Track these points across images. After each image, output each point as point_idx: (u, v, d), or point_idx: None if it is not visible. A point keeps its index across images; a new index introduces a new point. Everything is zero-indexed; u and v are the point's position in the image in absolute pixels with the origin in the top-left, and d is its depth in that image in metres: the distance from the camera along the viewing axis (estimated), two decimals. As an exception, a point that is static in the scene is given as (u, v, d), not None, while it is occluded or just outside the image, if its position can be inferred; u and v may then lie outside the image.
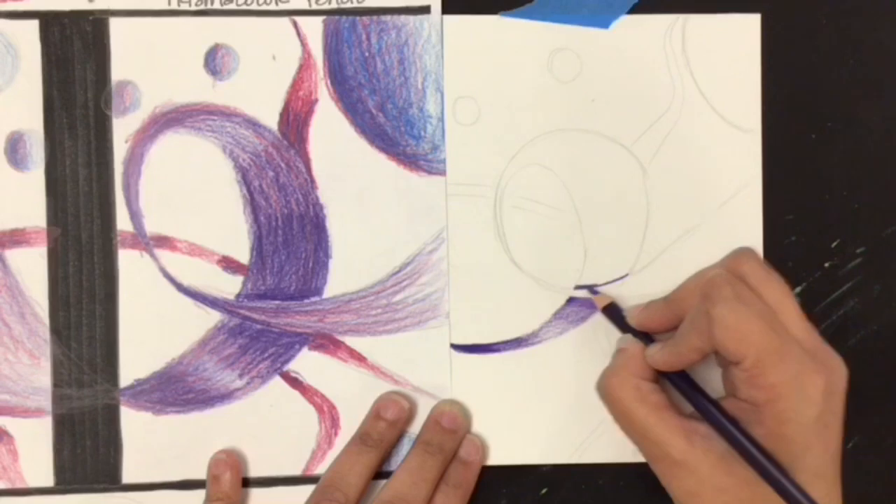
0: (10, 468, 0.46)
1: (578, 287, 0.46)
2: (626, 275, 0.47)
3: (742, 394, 0.40)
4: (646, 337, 0.44)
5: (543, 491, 0.47)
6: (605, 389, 0.42)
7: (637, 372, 0.42)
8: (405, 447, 0.46)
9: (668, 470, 0.40)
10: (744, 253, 0.43)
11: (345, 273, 0.46)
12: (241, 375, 0.46)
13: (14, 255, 0.46)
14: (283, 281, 0.46)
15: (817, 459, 0.38)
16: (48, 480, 0.46)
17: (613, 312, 0.45)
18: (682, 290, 0.43)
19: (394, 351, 0.46)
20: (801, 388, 0.38)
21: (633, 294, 0.47)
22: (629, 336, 0.44)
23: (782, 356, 0.39)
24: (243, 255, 0.46)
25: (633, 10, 0.47)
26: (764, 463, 0.38)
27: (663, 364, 0.42)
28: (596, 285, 0.46)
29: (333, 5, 0.46)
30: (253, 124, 0.46)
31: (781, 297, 0.41)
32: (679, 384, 0.42)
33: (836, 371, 0.40)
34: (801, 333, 0.40)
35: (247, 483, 0.46)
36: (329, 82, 0.46)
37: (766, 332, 0.39)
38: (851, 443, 0.47)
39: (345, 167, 0.46)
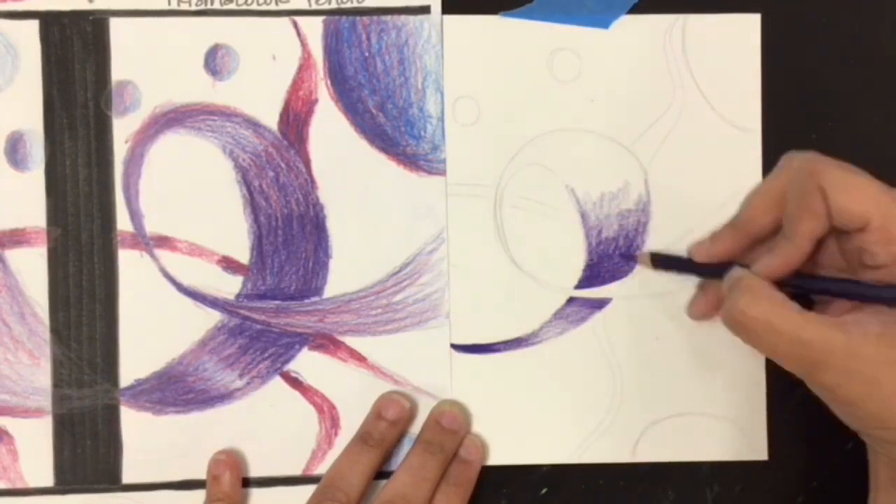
0: (10, 468, 0.46)
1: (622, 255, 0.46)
2: (627, 275, 0.47)
3: (878, 257, 0.38)
4: (714, 274, 0.43)
5: (543, 491, 0.47)
6: (740, 314, 0.39)
7: (764, 287, 0.40)
8: (406, 447, 0.46)
9: (838, 367, 0.38)
10: (810, 158, 0.41)
11: (345, 273, 0.46)
12: (241, 375, 0.46)
13: (14, 255, 0.46)
14: (283, 281, 0.46)
15: None
16: (48, 480, 0.46)
17: (664, 261, 0.44)
18: (748, 209, 0.42)
19: (394, 351, 0.46)
20: None
21: (634, 294, 0.47)
22: (736, 269, 0.42)
23: None
24: (243, 255, 0.46)
25: (633, 10, 0.47)
26: None
27: (783, 265, 0.40)
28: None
29: (333, 5, 0.46)
30: (253, 124, 0.46)
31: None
32: (804, 285, 0.40)
33: None
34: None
35: (247, 483, 0.46)
36: (329, 82, 0.46)
37: (879, 185, 0.38)
38: (851, 443, 0.47)
39: (345, 167, 0.46)
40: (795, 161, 0.41)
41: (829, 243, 0.42)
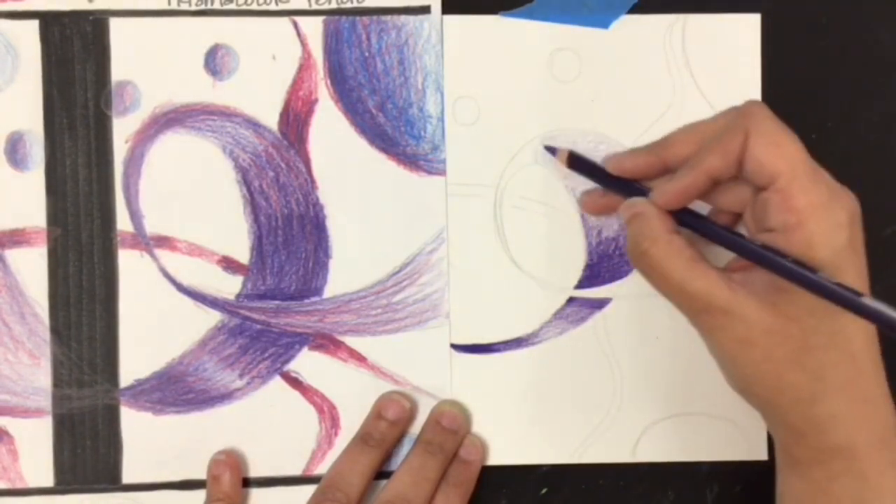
0: (10, 468, 0.46)
1: (546, 147, 0.46)
2: (627, 275, 0.47)
3: (771, 220, 0.38)
4: (621, 191, 0.43)
5: (543, 491, 0.47)
6: (637, 254, 0.40)
7: (663, 227, 0.40)
8: (406, 447, 0.46)
9: (714, 320, 0.38)
10: (752, 104, 0.41)
11: (345, 273, 0.46)
12: (241, 375, 0.46)
13: (14, 255, 0.46)
14: (283, 281, 0.46)
15: (850, 282, 0.37)
16: (48, 480, 0.46)
17: (580, 162, 0.44)
18: (671, 135, 0.42)
19: (394, 351, 0.46)
20: (832, 211, 0.37)
21: (634, 294, 0.47)
22: (635, 199, 0.41)
23: (814, 179, 0.38)
24: (243, 255, 0.46)
25: (633, 10, 0.47)
26: (802, 272, 0.37)
27: (678, 193, 0.40)
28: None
29: (333, 5, 0.46)
30: (253, 124, 0.46)
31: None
32: (700, 225, 0.40)
33: (856, 201, 0.39)
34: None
35: (247, 483, 0.46)
36: (329, 82, 0.46)
37: (802, 153, 0.38)
38: (851, 443, 0.47)
39: (345, 167, 0.46)
40: (740, 106, 0.40)
41: (747, 204, 0.41)
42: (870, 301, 0.36)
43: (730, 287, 0.38)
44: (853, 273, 0.38)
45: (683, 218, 0.41)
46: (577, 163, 0.45)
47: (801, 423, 0.38)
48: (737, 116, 0.39)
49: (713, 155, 0.39)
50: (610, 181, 0.43)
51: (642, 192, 0.41)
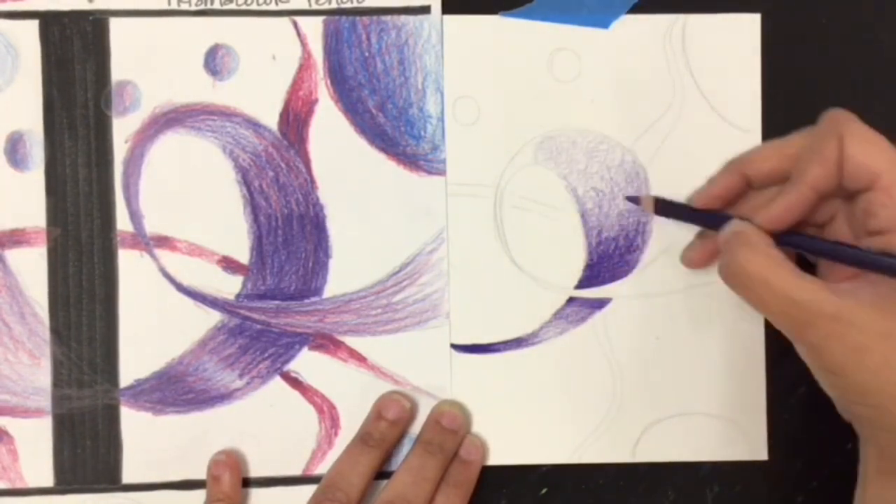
0: (10, 468, 0.46)
1: (628, 198, 0.46)
2: (627, 275, 0.47)
3: (879, 222, 0.37)
4: (712, 225, 0.43)
5: (543, 491, 0.47)
6: (735, 269, 0.39)
7: (762, 242, 0.39)
8: (406, 447, 0.46)
9: (825, 330, 0.37)
10: (837, 112, 0.41)
11: (345, 273, 0.46)
12: (241, 375, 0.46)
13: (14, 255, 0.46)
14: (283, 281, 0.46)
15: None
16: (48, 481, 0.46)
17: (667, 207, 0.45)
18: (751, 151, 0.42)
19: (394, 351, 0.46)
20: None
21: (635, 294, 0.47)
22: (735, 221, 0.41)
23: None
24: (243, 255, 0.46)
25: (633, 10, 0.47)
26: None
27: (784, 212, 0.39)
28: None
29: (333, 5, 0.46)
30: (253, 124, 0.46)
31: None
32: (801, 243, 0.40)
33: None
34: None
35: (247, 483, 0.46)
36: (329, 82, 0.46)
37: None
38: (851, 443, 0.47)
39: (345, 167, 0.46)
40: (824, 115, 0.40)
41: (838, 213, 0.41)
42: None
43: (839, 295, 0.37)
44: None
45: (784, 239, 0.40)
46: (664, 207, 0.45)
47: None
48: (826, 125, 0.39)
49: (813, 165, 0.39)
50: (702, 218, 0.43)
51: (743, 219, 0.41)
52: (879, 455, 0.39)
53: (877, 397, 0.37)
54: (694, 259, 0.45)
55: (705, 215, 0.44)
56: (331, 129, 0.46)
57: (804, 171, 0.39)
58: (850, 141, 0.38)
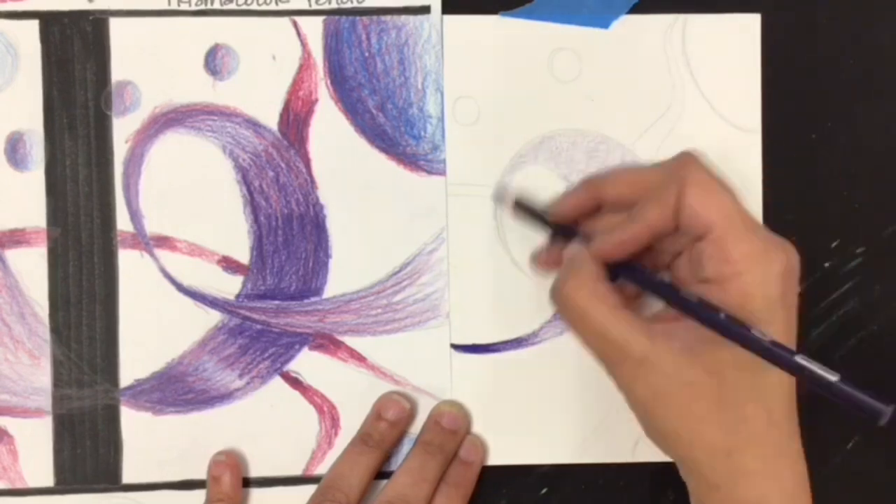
0: (10, 468, 0.46)
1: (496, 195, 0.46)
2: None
3: (707, 271, 0.38)
4: (563, 235, 0.43)
5: (543, 491, 0.47)
6: (560, 295, 0.40)
7: (591, 274, 0.40)
8: (406, 447, 0.46)
9: (631, 371, 0.38)
10: (687, 155, 0.41)
11: (345, 273, 0.46)
12: (241, 375, 0.46)
13: (14, 255, 0.46)
14: (283, 281, 0.46)
15: (780, 337, 0.37)
16: (48, 480, 0.46)
17: (524, 209, 0.45)
18: (605, 176, 0.42)
19: (394, 351, 0.46)
20: (768, 263, 0.37)
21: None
22: (575, 245, 0.42)
23: (750, 229, 0.38)
24: (243, 255, 0.46)
25: (633, 10, 0.47)
26: (737, 329, 0.37)
27: (617, 245, 0.40)
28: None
29: (333, 5, 0.46)
30: (253, 124, 0.46)
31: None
32: (634, 276, 0.41)
33: (794, 253, 0.39)
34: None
35: (247, 483, 0.46)
36: (329, 82, 0.46)
37: (737, 204, 0.38)
38: (851, 443, 0.47)
39: (345, 167, 0.46)
40: (678, 156, 0.41)
41: (684, 251, 0.41)
42: (803, 360, 0.36)
43: (650, 337, 0.38)
44: (783, 327, 0.38)
45: (619, 268, 0.41)
46: (522, 208, 0.45)
47: (715, 476, 0.38)
48: (673, 168, 0.39)
49: (652, 206, 0.39)
50: (554, 227, 0.44)
51: (587, 237, 0.42)
52: (693, 498, 0.40)
53: (674, 443, 0.39)
54: (540, 262, 0.45)
55: (557, 226, 0.44)
56: (331, 129, 0.46)
57: (643, 210, 0.39)
58: (689, 189, 0.38)
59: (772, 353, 0.36)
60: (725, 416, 0.37)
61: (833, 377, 0.36)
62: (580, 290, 0.39)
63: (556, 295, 0.40)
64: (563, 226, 0.44)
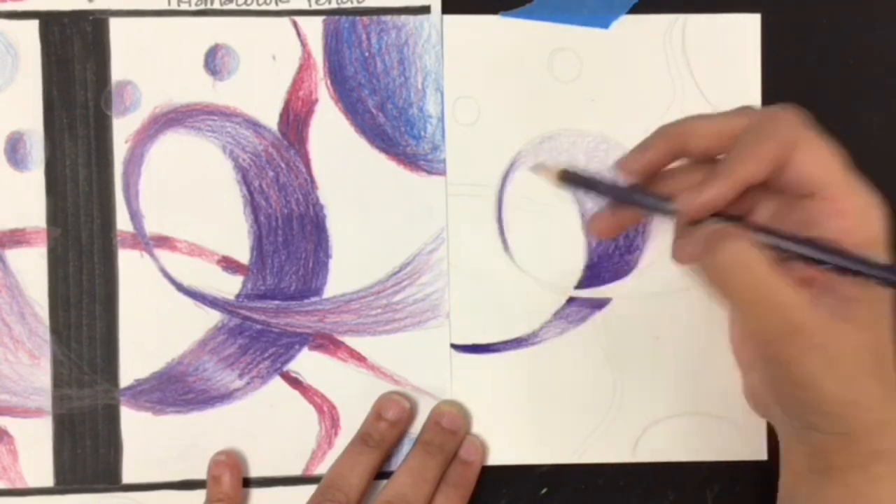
0: (10, 468, 0.46)
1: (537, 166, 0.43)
2: (628, 274, 0.47)
3: (821, 228, 0.37)
4: (626, 199, 0.39)
5: (543, 491, 0.47)
6: (727, 257, 0.36)
7: (755, 248, 0.36)
8: (406, 447, 0.46)
9: (804, 343, 0.36)
10: (785, 111, 0.39)
11: (345, 273, 0.46)
12: (241, 375, 0.46)
13: (14, 255, 0.46)
14: (283, 281, 0.46)
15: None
16: (48, 480, 0.46)
17: (575, 178, 0.39)
18: (686, 126, 0.39)
19: (394, 351, 0.46)
20: (877, 215, 0.37)
21: (635, 294, 0.47)
22: (715, 224, 0.37)
23: (856, 181, 0.37)
24: (243, 255, 0.46)
25: (633, 10, 0.47)
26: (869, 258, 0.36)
27: (707, 203, 0.36)
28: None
29: (333, 5, 0.46)
30: (253, 124, 0.46)
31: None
32: (781, 244, 0.37)
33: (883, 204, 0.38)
34: None
35: (247, 483, 0.46)
36: (329, 82, 0.46)
37: (843, 159, 0.37)
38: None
39: (345, 167, 0.46)
40: (779, 113, 0.38)
41: (759, 204, 0.39)
42: None
43: (815, 308, 0.36)
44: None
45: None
46: (571, 178, 0.39)
47: (860, 430, 0.37)
48: (769, 121, 0.37)
49: (748, 162, 0.37)
50: (614, 192, 0.38)
51: (664, 199, 0.38)
52: (811, 454, 0.39)
53: (834, 406, 0.37)
54: (600, 229, 0.41)
55: (618, 189, 0.39)
56: (331, 129, 0.46)
57: (737, 166, 0.37)
58: (802, 150, 0.37)
59: None
60: (883, 371, 0.37)
61: None
62: (750, 253, 0.36)
63: (725, 255, 0.36)
64: (637, 190, 0.38)
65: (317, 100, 0.46)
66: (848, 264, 0.37)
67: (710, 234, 0.37)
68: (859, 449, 0.37)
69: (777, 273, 0.36)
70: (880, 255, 0.37)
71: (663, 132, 0.39)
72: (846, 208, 0.37)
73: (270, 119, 0.46)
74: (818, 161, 0.37)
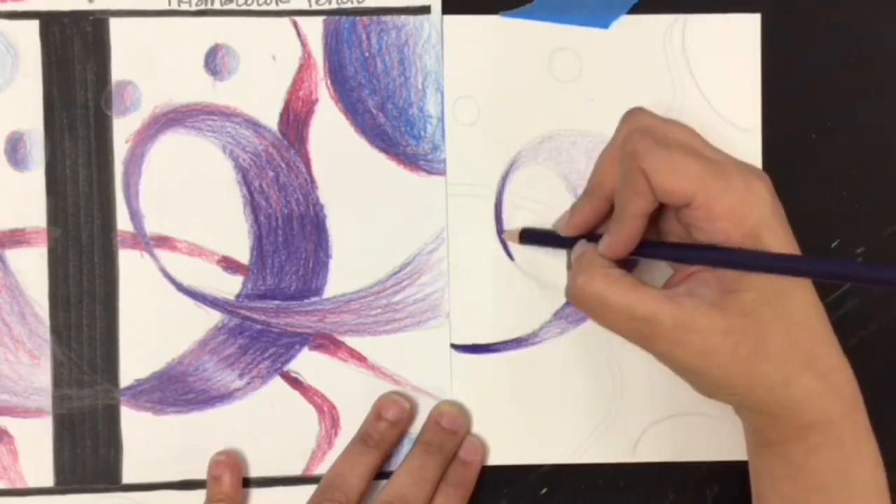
0: (10, 468, 0.46)
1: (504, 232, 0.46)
2: (626, 275, 0.47)
3: (700, 233, 0.38)
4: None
5: (543, 491, 0.47)
6: (577, 291, 0.40)
7: (600, 263, 0.40)
8: (405, 447, 0.46)
9: (668, 339, 0.38)
10: (635, 111, 0.42)
11: (345, 273, 0.46)
12: (241, 375, 0.46)
13: (14, 255, 0.46)
14: (283, 281, 0.46)
15: (781, 244, 0.38)
16: (48, 480, 0.46)
17: (534, 236, 0.45)
18: (595, 176, 0.42)
19: (394, 351, 0.46)
20: (752, 193, 0.38)
21: (633, 294, 0.47)
22: (582, 241, 0.42)
23: (726, 177, 0.38)
24: (243, 255, 0.46)
25: (633, 10, 0.47)
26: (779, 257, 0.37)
27: (619, 244, 0.40)
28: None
29: (333, 5, 0.46)
30: (253, 124, 0.46)
31: (689, 134, 0.41)
32: (649, 252, 0.41)
33: (762, 174, 0.40)
34: (722, 156, 0.40)
35: (247, 483, 0.46)
36: (329, 82, 0.46)
37: (702, 162, 0.38)
38: None
39: (345, 167, 0.46)
40: (621, 136, 0.40)
41: (671, 214, 0.41)
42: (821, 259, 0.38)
43: (676, 302, 0.38)
44: (781, 234, 0.38)
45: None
46: (529, 237, 0.45)
47: (777, 407, 0.38)
48: (629, 158, 0.39)
49: (631, 201, 0.39)
50: (567, 242, 0.43)
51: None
52: (753, 431, 0.41)
53: (732, 390, 0.39)
54: (568, 226, 0.44)
55: (566, 240, 0.44)
56: (331, 129, 0.46)
57: (626, 206, 0.39)
58: (654, 174, 0.38)
59: (792, 264, 0.37)
60: (772, 350, 0.38)
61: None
62: (594, 279, 0.39)
63: (573, 291, 0.40)
64: (578, 238, 0.43)
65: (317, 100, 0.46)
66: (713, 261, 0.39)
67: (574, 260, 0.42)
68: (787, 423, 0.39)
69: (623, 290, 0.39)
70: (764, 243, 0.38)
71: (585, 195, 0.43)
72: (717, 211, 0.38)
73: (270, 119, 0.46)
74: (673, 176, 0.38)
